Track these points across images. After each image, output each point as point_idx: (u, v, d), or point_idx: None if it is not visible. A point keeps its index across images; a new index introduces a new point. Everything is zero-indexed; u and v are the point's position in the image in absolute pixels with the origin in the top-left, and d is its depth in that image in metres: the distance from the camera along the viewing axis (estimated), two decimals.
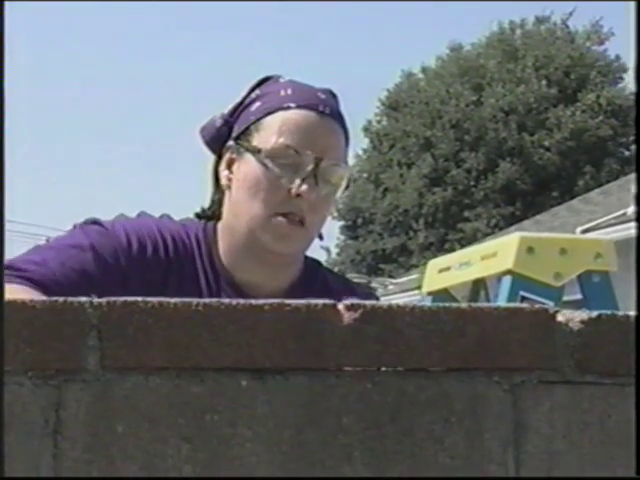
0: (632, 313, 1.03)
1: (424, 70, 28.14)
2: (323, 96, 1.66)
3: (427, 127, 26.11)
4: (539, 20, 27.76)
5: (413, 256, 25.34)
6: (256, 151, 1.61)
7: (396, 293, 16.48)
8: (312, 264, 1.72)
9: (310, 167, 1.59)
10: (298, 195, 1.59)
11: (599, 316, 1.02)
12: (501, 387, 1.01)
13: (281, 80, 1.69)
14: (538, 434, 1.00)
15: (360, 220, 27.75)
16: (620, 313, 1.02)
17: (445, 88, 26.28)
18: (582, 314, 1.01)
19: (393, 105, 27.79)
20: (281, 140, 1.60)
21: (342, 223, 28.51)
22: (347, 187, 1.69)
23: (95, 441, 0.93)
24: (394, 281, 19.27)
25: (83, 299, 0.94)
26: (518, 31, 27.68)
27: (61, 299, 0.94)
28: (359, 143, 28.34)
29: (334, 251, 27.66)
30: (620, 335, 1.02)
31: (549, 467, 1.00)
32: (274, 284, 1.64)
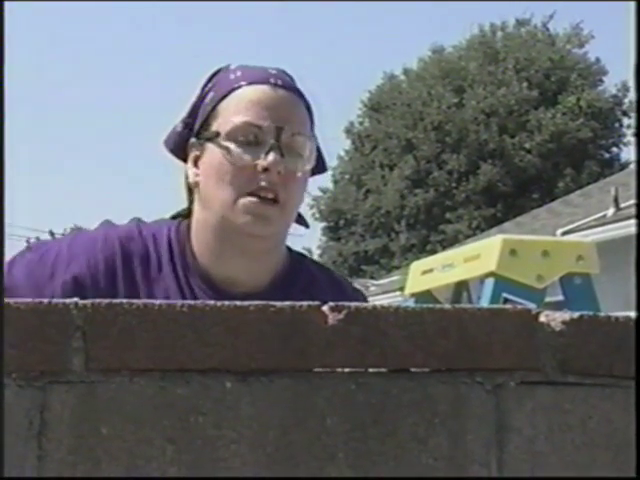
0: (615, 314, 1.04)
1: (406, 72, 28.20)
2: (274, 72, 1.63)
3: (409, 129, 26.15)
4: (520, 23, 27.85)
5: (395, 258, 25.38)
6: (215, 136, 1.57)
7: (378, 294, 16.49)
8: (297, 257, 1.68)
9: (272, 139, 1.55)
10: (265, 169, 1.53)
11: (581, 317, 1.02)
12: (484, 388, 1.01)
13: (231, 67, 1.65)
14: (520, 435, 1.01)
15: (342, 222, 27.77)
16: (601, 314, 1.03)
17: (427, 90, 26.34)
18: (564, 315, 1.02)
19: (375, 107, 27.83)
20: (238, 118, 1.56)
21: (324, 224, 28.52)
22: (319, 166, 1.64)
23: (80, 443, 0.93)
24: (376, 282, 19.29)
25: (68, 300, 0.94)
26: (499, 33, 27.78)
27: (45, 300, 0.94)
28: (341, 144, 28.36)
29: (316, 252, 27.67)
30: (601, 336, 1.03)
31: (531, 468, 1.01)
32: (254, 279, 1.59)
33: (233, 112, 1.57)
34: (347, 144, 28.50)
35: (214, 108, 1.60)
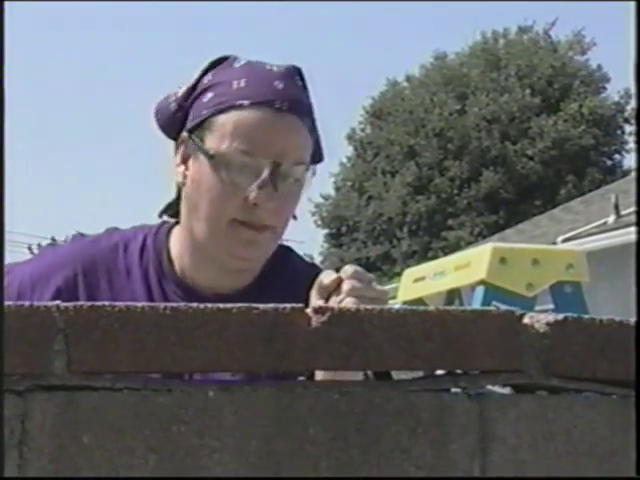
0: (601, 317, 1.04)
1: (408, 79, 28.20)
2: (281, 86, 1.52)
3: (411, 135, 26.16)
4: (522, 30, 27.86)
5: (397, 264, 25.35)
6: (209, 156, 1.50)
7: None
8: (283, 252, 1.63)
9: (266, 173, 1.48)
10: (255, 204, 1.49)
11: (565, 318, 1.02)
12: (467, 395, 1.01)
13: (236, 65, 1.56)
14: (504, 444, 1.00)
15: (344, 228, 27.76)
16: (586, 316, 1.03)
17: (429, 97, 26.35)
18: (548, 316, 1.02)
19: (377, 113, 27.83)
20: (234, 145, 1.49)
21: (326, 231, 28.51)
22: (317, 156, 1.57)
23: (61, 452, 0.92)
24: None
25: (49, 303, 0.94)
26: (501, 41, 27.78)
27: (27, 303, 0.94)
28: (343, 151, 28.36)
29: (318, 259, 27.66)
30: (585, 338, 1.03)
31: (515, 477, 1.00)
32: (234, 285, 1.56)
33: (230, 135, 1.50)
34: (349, 150, 28.52)
35: (211, 116, 1.52)
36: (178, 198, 1.60)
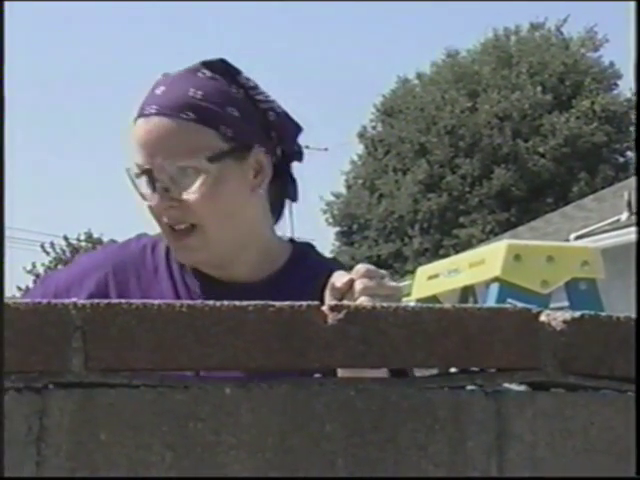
0: (617, 314, 1.03)
1: (419, 76, 28.18)
2: (159, 91, 1.55)
3: (422, 133, 26.14)
4: (534, 27, 27.81)
5: (408, 262, 25.34)
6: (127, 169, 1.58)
7: None
8: (301, 249, 1.65)
9: (146, 179, 1.54)
10: (164, 208, 1.53)
11: (582, 316, 1.02)
12: (484, 392, 1.01)
13: (162, 77, 1.59)
14: (521, 442, 1.00)
15: (355, 226, 27.76)
16: (603, 314, 1.02)
17: (440, 94, 26.31)
18: (565, 314, 1.02)
19: (388, 111, 27.82)
20: (134, 161, 1.55)
21: (337, 229, 28.51)
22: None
23: (79, 449, 0.92)
24: None
25: (67, 301, 0.94)
26: (513, 38, 27.74)
27: (45, 301, 0.94)
28: (354, 149, 28.36)
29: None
30: (603, 335, 1.02)
31: (532, 475, 1.00)
32: (248, 274, 1.59)
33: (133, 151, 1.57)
34: (360, 149, 28.51)
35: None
36: None
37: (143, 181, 1.55)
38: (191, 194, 1.52)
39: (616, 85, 27.06)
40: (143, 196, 1.56)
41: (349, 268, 1.43)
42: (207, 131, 1.53)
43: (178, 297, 1.57)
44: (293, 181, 1.65)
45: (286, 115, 1.61)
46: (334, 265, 1.62)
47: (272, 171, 1.58)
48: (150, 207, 1.55)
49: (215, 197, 1.53)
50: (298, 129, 1.62)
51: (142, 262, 1.62)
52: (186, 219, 1.53)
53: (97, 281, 1.60)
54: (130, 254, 1.63)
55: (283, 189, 1.65)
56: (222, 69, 1.58)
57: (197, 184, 1.52)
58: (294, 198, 1.66)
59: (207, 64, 1.58)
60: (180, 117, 1.53)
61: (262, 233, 1.62)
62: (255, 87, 1.59)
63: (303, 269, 1.61)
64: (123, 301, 0.95)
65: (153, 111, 1.53)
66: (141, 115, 1.55)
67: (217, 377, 0.99)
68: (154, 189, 1.53)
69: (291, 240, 1.69)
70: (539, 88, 25.55)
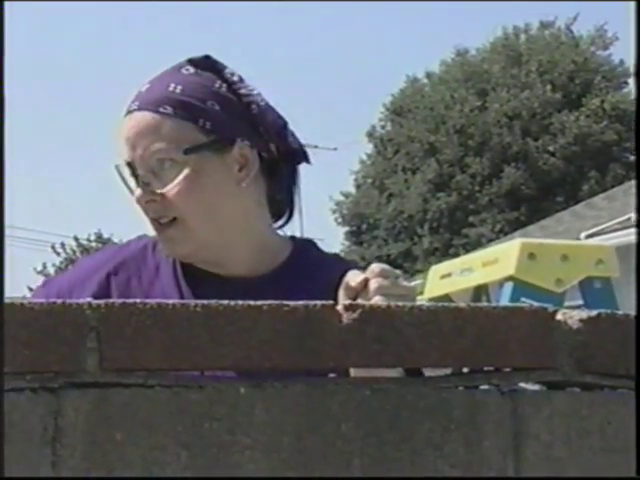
0: (632, 313, 1.03)
1: (428, 75, 28.16)
2: (144, 88, 1.59)
3: (431, 132, 26.12)
4: (543, 25, 27.76)
5: (418, 261, 25.33)
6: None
7: None
8: (302, 245, 1.66)
9: (130, 173, 1.58)
10: (147, 201, 1.56)
11: (598, 315, 1.01)
12: (500, 392, 1.00)
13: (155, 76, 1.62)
14: (538, 441, 1.00)
15: (365, 226, 27.76)
16: (619, 312, 1.02)
17: (449, 93, 26.29)
18: (581, 313, 1.01)
19: (397, 110, 27.80)
20: (121, 157, 1.59)
21: (347, 229, 28.51)
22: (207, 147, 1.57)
23: (94, 449, 0.93)
24: None
25: (82, 301, 0.94)
26: (522, 36, 27.70)
27: (59, 301, 0.94)
28: (363, 148, 28.34)
29: None
30: (619, 334, 1.02)
31: (549, 475, 1.00)
32: (249, 267, 1.60)
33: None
34: (369, 148, 28.50)
35: None
36: None
37: (129, 176, 1.59)
38: (170, 188, 1.55)
39: (626, 83, 27.01)
40: (131, 191, 1.59)
41: (362, 268, 1.43)
42: (185, 124, 1.55)
43: (181, 294, 1.58)
44: (294, 181, 1.65)
45: (269, 107, 1.61)
46: (335, 261, 1.64)
47: (259, 165, 1.59)
48: (136, 200, 1.58)
49: (195, 190, 1.55)
50: (282, 122, 1.62)
51: (143, 261, 1.63)
52: (167, 212, 1.56)
53: (99, 282, 1.61)
54: (130, 254, 1.64)
55: (283, 186, 1.64)
56: (206, 65, 1.60)
57: (177, 178, 1.54)
58: (290, 198, 1.66)
59: (192, 61, 1.60)
60: (158, 111, 1.56)
61: (254, 227, 1.62)
62: (239, 81, 1.60)
63: (305, 265, 1.62)
64: (138, 301, 0.95)
65: (135, 107, 1.57)
66: (127, 112, 1.59)
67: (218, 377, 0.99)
68: (137, 183, 1.57)
69: (292, 237, 1.69)
70: (549, 87, 25.50)
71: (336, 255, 1.76)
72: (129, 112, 1.58)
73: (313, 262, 1.62)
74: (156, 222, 1.57)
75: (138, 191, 1.56)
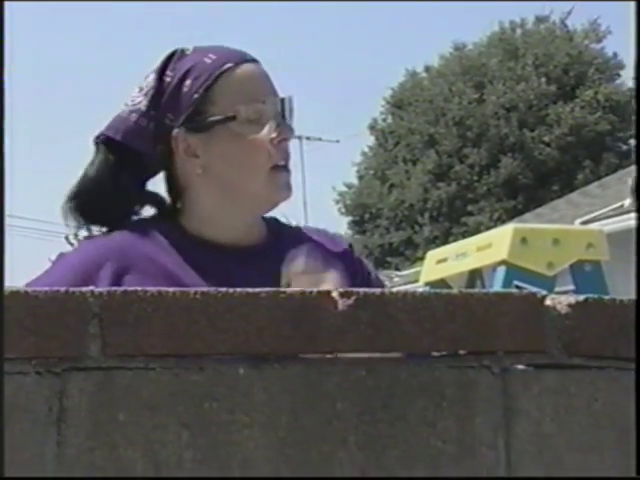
0: (620, 297, 1.05)
1: (427, 69, 28.09)
2: (235, 48, 1.67)
3: (431, 124, 26.08)
4: (539, 19, 27.70)
5: (419, 249, 25.29)
6: (221, 121, 1.60)
7: (400, 285, 16.44)
8: (272, 218, 1.72)
9: (279, 110, 1.62)
10: (281, 141, 1.61)
11: (586, 300, 1.04)
12: (491, 372, 1.03)
13: (187, 53, 1.64)
14: (527, 418, 1.02)
15: (367, 215, 27.72)
16: (606, 297, 1.04)
17: (448, 86, 26.24)
18: (570, 298, 1.03)
19: (398, 103, 27.75)
20: (242, 99, 1.60)
21: (350, 219, 28.49)
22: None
23: (98, 429, 0.95)
24: (399, 273, 19.28)
25: (84, 289, 0.97)
26: (518, 30, 27.64)
27: (63, 289, 0.96)
28: (365, 141, 28.29)
29: None
30: (607, 318, 1.04)
31: (539, 450, 1.02)
32: (248, 238, 1.65)
33: (239, 93, 1.61)
34: (371, 140, 28.46)
35: (205, 95, 1.60)
36: (177, 196, 1.66)
37: (252, 121, 1.60)
38: (287, 135, 1.63)
39: (619, 75, 26.93)
40: (254, 136, 1.60)
41: (362, 256, 1.58)
42: None
43: (179, 265, 1.58)
44: None
45: None
46: (307, 230, 1.72)
47: None
48: (261, 145, 1.60)
49: None
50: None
51: (140, 244, 1.60)
52: (289, 154, 1.64)
53: (114, 271, 1.58)
54: (125, 241, 1.61)
55: None
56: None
57: (293, 125, 1.65)
58: None
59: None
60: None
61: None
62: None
63: (286, 237, 1.68)
64: (139, 289, 0.97)
65: (255, 58, 1.65)
66: (247, 61, 1.64)
67: None
68: (278, 122, 1.61)
69: None
70: (544, 79, 25.44)
71: (303, 227, 1.79)
72: (252, 61, 1.65)
73: (290, 234, 1.70)
74: (278, 167, 1.62)
75: (284, 126, 1.62)
